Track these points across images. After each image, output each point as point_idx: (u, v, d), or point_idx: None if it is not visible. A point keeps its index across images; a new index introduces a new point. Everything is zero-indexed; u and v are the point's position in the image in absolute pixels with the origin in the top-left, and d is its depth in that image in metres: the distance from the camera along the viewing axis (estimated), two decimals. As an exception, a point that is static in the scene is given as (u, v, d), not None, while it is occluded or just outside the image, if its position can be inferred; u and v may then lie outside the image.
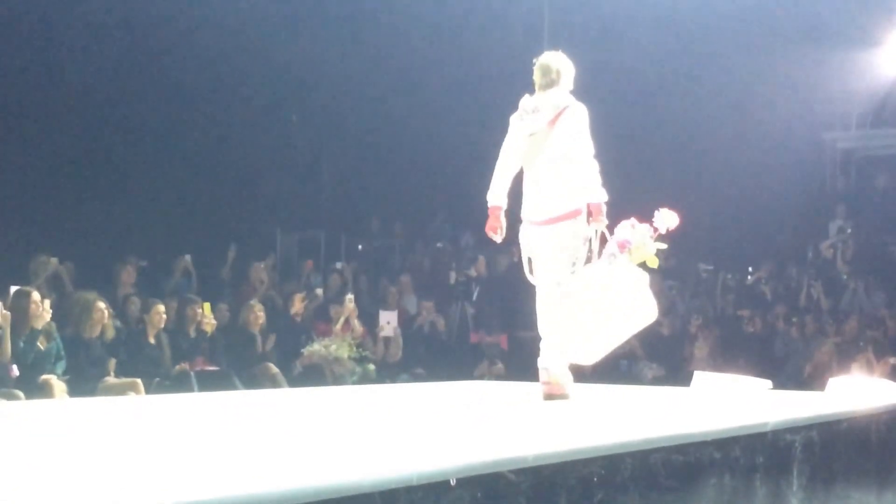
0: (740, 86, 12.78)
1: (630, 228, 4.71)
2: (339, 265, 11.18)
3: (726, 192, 12.64)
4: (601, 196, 4.66)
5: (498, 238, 4.76)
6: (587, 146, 4.67)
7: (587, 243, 4.67)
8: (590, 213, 4.67)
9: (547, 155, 4.66)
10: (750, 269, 11.30)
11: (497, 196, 4.76)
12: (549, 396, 4.63)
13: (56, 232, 9.29)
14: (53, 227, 9.51)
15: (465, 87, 12.87)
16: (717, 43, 12.45)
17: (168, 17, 10.97)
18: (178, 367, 7.73)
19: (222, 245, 10.28)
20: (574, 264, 4.63)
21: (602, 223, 4.66)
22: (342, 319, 9.26)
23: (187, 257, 9.43)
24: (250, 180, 12.40)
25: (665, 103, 12.68)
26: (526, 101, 4.79)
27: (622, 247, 4.65)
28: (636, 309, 4.68)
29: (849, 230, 11.65)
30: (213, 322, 8.16)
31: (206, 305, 8.19)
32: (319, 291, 9.84)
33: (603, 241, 4.71)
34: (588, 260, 4.68)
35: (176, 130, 11.42)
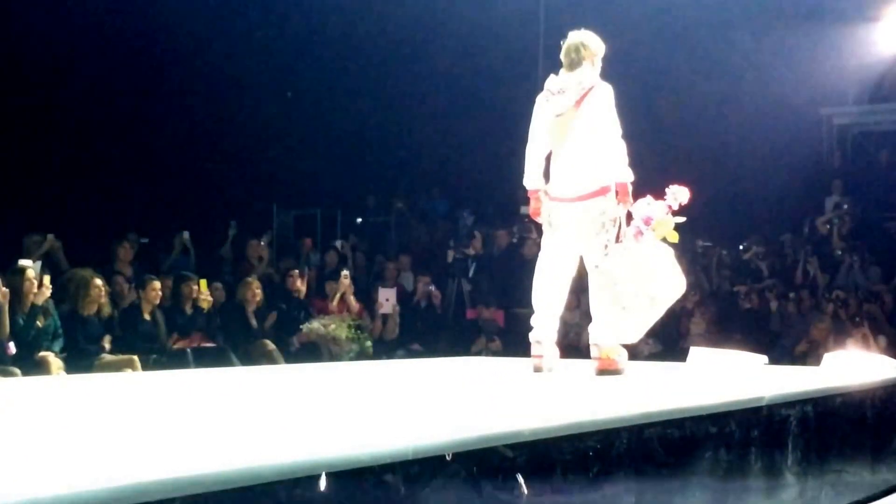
0: (737, 62, 12.74)
1: (647, 206, 4.73)
2: (338, 243, 11.17)
3: (724, 168, 12.63)
4: (628, 176, 4.68)
5: (542, 220, 4.86)
6: (614, 126, 4.69)
7: (616, 223, 4.70)
8: (616, 193, 4.70)
9: (574, 135, 4.70)
10: (742, 245, 11.29)
11: (534, 179, 4.85)
12: (602, 372, 4.68)
13: (55, 209, 9.28)
14: (52, 204, 9.51)
15: (461, 66, 12.82)
16: (715, 19, 12.39)
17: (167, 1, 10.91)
18: (173, 337, 7.72)
19: (219, 222, 10.27)
20: (606, 246, 4.67)
21: (629, 203, 4.69)
22: (338, 296, 9.27)
23: (185, 234, 9.42)
24: (247, 157, 12.38)
25: (662, 80, 12.64)
26: (552, 82, 4.79)
27: (647, 222, 4.68)
28: (669, 283, 4.72)
29: (845, 206, 11.64)
30: (210, 299, 8.16)
31: (203, 282, 8.19)
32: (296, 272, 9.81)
33: (627, 219, 4.74)
34: (617, 239, 4.71)
35: (173, 107, 11.39)
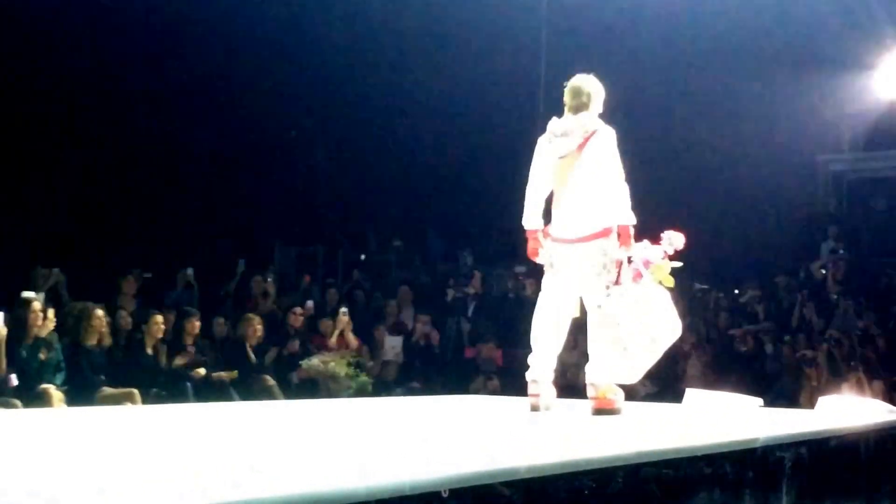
0: (735, 109, 12.89)
1: (644, 249, 4.81)
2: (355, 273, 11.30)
3: (720, 212, 12.73)
4: (630, 219, 4.76)
5: (541, 260, 4.90)
6: (617, 169, 4.77)
7: (618, 265, 4.74)
8: (619, 235, 4.76)
9: (576, 178, 4.76)
10: (737, 290, 11.33)
11: (533, 220, 4.90)
12: (599, 411, 4.71)
13: (61, 243, 9.37)
14: (58, 238, 9.59)
15: (463, 106, 12.97)
16: (713, 66, 12.58)
17: (172, 34, 11.10)
18: (176, 361, 7.75)
19: (222, 258, 10.35)
20: (608, 287, 4.72)
21: (631, 246, 4.75)
22: (336, 332, 9.32)
23: (189, 270, 9.49)
24: (250, 195, 12.48)
25: (659, 125, 12.79)
26: (555, 124, 4.86)
27: (647, 265, 4.75)
28: (667, 326, 4.79)
29: (840, 251, 11.70)
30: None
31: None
32: (310, 304, 9.88)
33: (628, 262, 4.80)
34: (617, 281, 4.76)
35: (178, 145, 11.52)
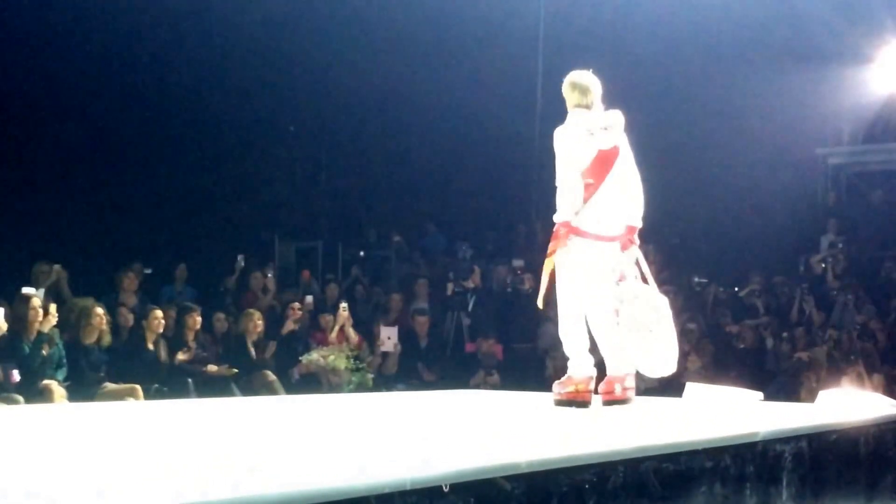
0: (733, 102, 12.90)
1: (638, 260, 4.85)
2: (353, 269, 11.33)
3: (720, 206, 12.73)
4: (639, 221, 4.80)
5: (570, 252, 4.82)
6: (636, 170, 4.82)
7: (636, 264, 4.78)
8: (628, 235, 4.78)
9: (615, 173, 4.75)
10: (736, 288, 11.34)
11: (569, 212, 4.75)
12: (609, 402, 4.77)
13: (61, 239, 9.39)
14: (58, 234, 9.62)
15: (461, 101, 12.98)
16: (711, 60, 12.58)
17: (171, 30, 11.11)
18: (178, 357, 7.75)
19: (223, 254, 10.37)
20: (636, 278, 4.76)
21: (636, 247, 4.79)
22: (336, 328, 9.33)
23: (181, 265, 9.53)
24: (249, 190, 12.50)
25: (659, 119, 12.78)
26: (596, 117, 4.75)
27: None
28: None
29: (840, 245, 11.71)
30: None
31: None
32: (310, 299, 9.89)
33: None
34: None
35: (177, 141, 11.54)
